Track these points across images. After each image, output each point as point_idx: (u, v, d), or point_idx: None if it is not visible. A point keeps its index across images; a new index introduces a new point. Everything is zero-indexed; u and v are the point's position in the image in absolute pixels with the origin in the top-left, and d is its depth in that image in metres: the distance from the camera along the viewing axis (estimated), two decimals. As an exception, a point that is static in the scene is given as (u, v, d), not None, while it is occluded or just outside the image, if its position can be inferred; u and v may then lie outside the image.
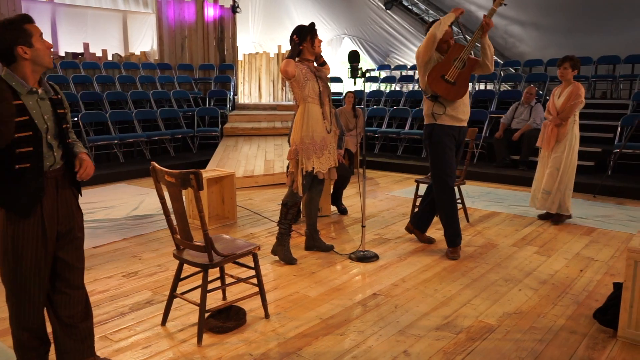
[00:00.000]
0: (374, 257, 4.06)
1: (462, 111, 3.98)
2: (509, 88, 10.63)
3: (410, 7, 12.52)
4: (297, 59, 3.88)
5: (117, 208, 5.78)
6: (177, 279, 2.93)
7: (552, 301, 3.26)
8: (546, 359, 2.57)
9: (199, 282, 2.86)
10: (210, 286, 2.97)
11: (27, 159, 2.09)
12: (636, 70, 9.18)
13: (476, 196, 6.24)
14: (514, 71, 10.84)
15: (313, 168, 3.88)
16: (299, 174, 3.93)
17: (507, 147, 7.70)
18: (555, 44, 10.85)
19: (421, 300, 3.28)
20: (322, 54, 4.00)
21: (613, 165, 6.88)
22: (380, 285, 3.53)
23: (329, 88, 3.98)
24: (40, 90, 2.16)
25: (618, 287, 2.87)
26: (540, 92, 8.98)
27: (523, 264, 3.94)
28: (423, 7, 12.32)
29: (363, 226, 4.16)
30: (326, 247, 4.26)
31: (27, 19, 2.10)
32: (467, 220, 5.14)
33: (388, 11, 12.52)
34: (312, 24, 3.87)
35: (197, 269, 2.96)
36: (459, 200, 5.05)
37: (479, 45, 4.04)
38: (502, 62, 11.18)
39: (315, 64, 3.99)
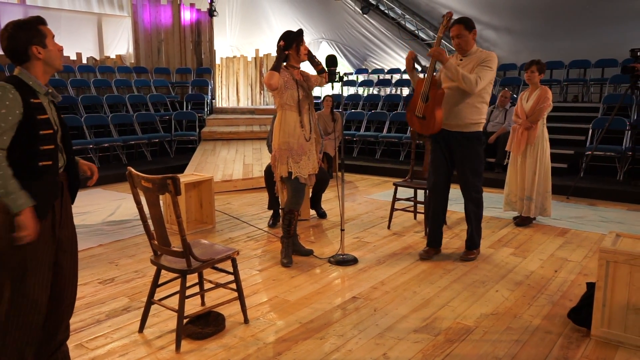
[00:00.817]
0: (353, 261, 4.08)
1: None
2: (485, 92, 10.77)
3: (386, 11, 12.63)
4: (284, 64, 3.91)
5: (93, 214, 5.68)
6: (155, 285, 2.90)
7: (527, 302, 3.32)
8: (523, 359, 2.62)
9: (177, 288, 2.83)
10: (188, 292, 2.95)
11: (49, 157, 2.11)
12: (606, 74, 9.42)
13: (453, 199, 6.28)
14: (489, 75, 10.99)
15: (290, 173, 3.88)
16: (277, 180, 3.96)
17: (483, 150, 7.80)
18: (528, 48, 11.07)
19: (400, 302, 3.31)
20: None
21: (585, 167, 7.04)
22: (360, 289, 3.55)
23: (310, 96, 3.99)
24: (51, 91, 2.18)
25: (591, 287, 2.94)
26: (515, 96, 9.14)
27: (499, 265, 4.00)
28: (399, 11, 12.44)
29: (342, 230, 4.17)
30: (305, 251, 4.26)
31: (41, 21, 2.14)
32: (445, 223, 5.19)
33: (365, 15, 12.62)
34: (300, 31, 3.88)
35: (175, 275, 2.93)
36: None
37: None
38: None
39: (312, 72, 4.02)
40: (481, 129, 3.96)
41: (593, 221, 5.32)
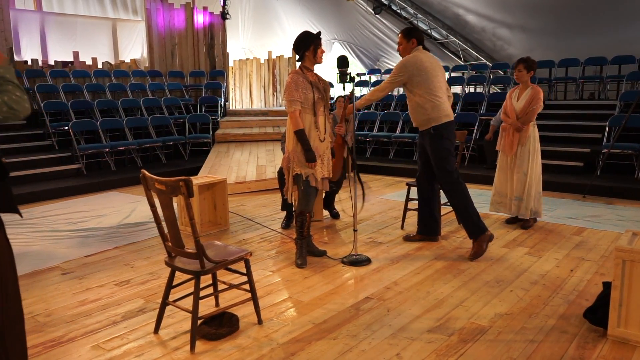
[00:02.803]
0: (366, 261, 4.08)
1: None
2: (498, 90, 10.70)
3: (399, 11, 12.60)
4: (298, 64, 3.97)
5: (109, 216, 5.75)
6: (169, 286, 2.93)
7: (543, 301, 3.29)
8: (538, 359, 2.59)
9: (191, 289, 2.86)
10: (202, 293, 2.97)
11: None
12: (623, 71, 9.28)
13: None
14: (502, 73, 10.92)
15: (302, 174, 3.89)
16: (289, 179, 3.97)
17: (495, 148, 7.73)
18: (542, 46, 10.96)
19: (413, 303, 3.30)
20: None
21: (602, 166, 6.95)
22: (373, 289, 3.54)
23: (325, 98, 3.99)
24: None
25: (607, 286, 2.90)
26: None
27: (514, 265, 3.97)
28: (412, 11, 12.40)
29: (355, 230, 4.17)
30: (319, 252, 4.27)
31: None
32: (459, 222, 5.17)
33: (377, 16, 12.61)
34: (319, 33, 3.91)
35: (189, 276, 2.96)
36: (449, 203, 5.08)
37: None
38: (491, 65, 11.27)
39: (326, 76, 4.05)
40: (438, 123, 4.12)
41: (610, 220, 5.25)
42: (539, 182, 4.98)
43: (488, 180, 7.22)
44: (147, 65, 11.28)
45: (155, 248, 4.60)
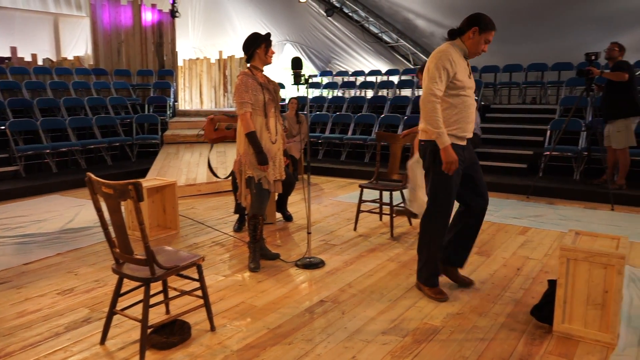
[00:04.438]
0: (320, 264, 4.06)
1: None
2: (447, 94, 10.97)
3: (350, 14, 12.71)
4: (247, 65, 3.90)
5: (51, 221, 5.48)
6: (117, 294, 2.81)
7: (492, 300, 3.38)
8: (489, 357, 2.66)
9: (140, 297, 2.75)
10: (152, 300, 2.86)
11: None
12: (562, 77, 9.73)
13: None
14: (450, 77, 11.19)
15: (254, 176, 3.83)
16: (242, 184, 3.90)
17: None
18: (489, 52, 11.25)
19: (368, 305, 3.31)
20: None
21: (544, 167, 7.24)
22: (327, 292, 3.53)
23: (276, 100, 3.95)
24: None
25: (552, 284, 3.01)
26: (476, 99, 9.33)
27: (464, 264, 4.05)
28: (363, 14, 12.54)
29: (309, 233, 4.15)
30: (272, 255, 4.22)
31: None
32: (410, 224, 5.25)
33: (329, 18, 12.67)
34: (269, 34, 3.86)
35: (138, 284, 2.85)
36: (402, 205, 5.16)
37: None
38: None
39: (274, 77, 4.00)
40: (432, 138, 3.17)
41: (552, 219, 5.47)
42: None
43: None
44: (91, 63, 10.86)
45: (100, 254, 4.41)
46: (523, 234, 4.92)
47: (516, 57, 10.44)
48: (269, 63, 3.93)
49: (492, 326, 3.00)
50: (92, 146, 8.57)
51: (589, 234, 3.10)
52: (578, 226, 5.12)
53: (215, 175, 5.24)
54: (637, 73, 7.03)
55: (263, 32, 3.90)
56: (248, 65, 3.91)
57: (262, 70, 3.94)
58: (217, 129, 5.03)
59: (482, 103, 9.65)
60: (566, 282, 2.82)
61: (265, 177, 3.86)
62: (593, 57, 6.30)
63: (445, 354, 2.68)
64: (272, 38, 3.88)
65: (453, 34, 3.32)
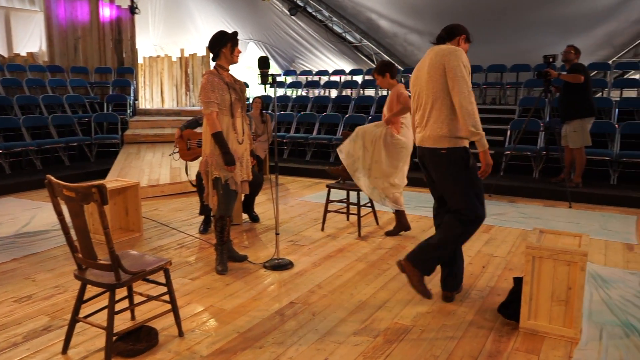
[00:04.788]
0: (289, 265, 4.03)
1: None
2: (410, 94, 11.11)
3: (314, 13, 12.70)
4: (213, 64, 3.84)
5: (4, 225, 5.24)
6: (80, 301, 2.70)
7: (459, 298, 3.43)
8: (459, 355, 2.69)
9: (104, 303, 2.66)
10: (117, 307, 2.77)
11: None
12: (520, 78, 10.00)
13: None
14: (413, 78, 11.34)
15: (221, 177, 3.78)
16: (209, 185, 3.83)
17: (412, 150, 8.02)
18: (450, 52, 11.52)
19: (338, 305, 3.30)
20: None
21: (505, 167, 7.42)
22: (297, 293, 3.51)
23: (243, 100, 3.90)
24: None
25: (518, 281, 3.07)
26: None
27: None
28: (327, 14, 12.55)
29: (277, 234, 4.11)
30: (240, 257, 4.17)
31: None
32: (377, 223, 5.28)
33: (293, 17, 12.62)
34: (235, 33, 3.79)
35: (101, 289, 2.75)
36: (369, 205, 5.18)
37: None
38: (402, 69, 11.68)
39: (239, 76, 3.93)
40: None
41: (514, 217, 5.61)
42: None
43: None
44: (46, 59, 10.47)
45: (59, 258, 4.25)
46: (487, 232, 5.02)
47: (476, 58, 10.65)
48: (235, 62, 3.86)
49: (460, 324, 3.04)
50: (48, 146, 8.25)
51: (552, 232, 3.18)
52: (539, 223, 5.27)
53: (193, 185, 5.17)
54: (592, 74, 7.30)
55: (226, 30, 3.83)
56: (214, 64, 3.84)
57: (228, 70, 3.87)
58: (190, 148, 5.02)
59: (445, 103, 9.80)
60: (532, 279, 2.88)
61: (232, 177, 3.80)
62: (551, 60, 6.49)
63: (417, 354, 2.70)
64: (237, 37, 3.82)
65: (442, 39, 3.33)
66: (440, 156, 3.15)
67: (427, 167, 3.33)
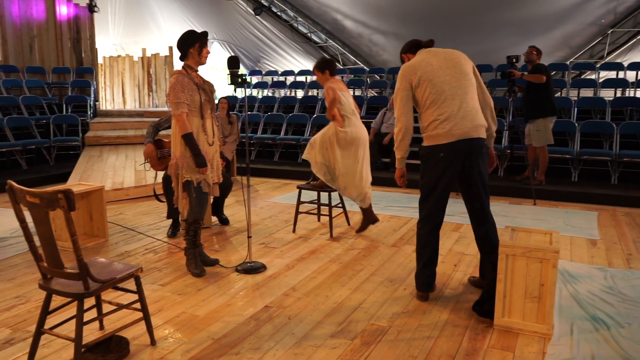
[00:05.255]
0: (261, 268, 3.97)
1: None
2: (376, 94, 11.19)
3: (279, 13, 12.63)
4: (181, 64, 3.75)
5: (-41, 233, 4.98)
6: (45, 312, 2.57)
7: (434, 297, 3.45)
8: (437, 354, 2.70)
9: (71, 313, 2.54)
10: (85, 317, 2.65)
11: None
12: (483, 78, 10.16)
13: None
14: (379, 78, 11.43)
15: (193, 180, 3.70)
16: (179, 187, 3.73)
17: (378, 150, 8.07)
18: (414, 53, 11.65)
19: (314, 308, 3.27)
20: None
21: (471, 165, 7.53)
22: (271, 297, 3.45)
23: (212, 101, 3.83)
24: None
25: (491, 279, 3.11)
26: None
27: (405, 262, 4.12)
28: (292, 14, 12.50)
29: (249, 237, 4.05)
30: (211, 261, 4.08)
31: None
32: (348, 224, 5.27)
33: (257, 17, 12.51)
34: (205, 33, 3.71)
35: (67, 299, 2.63)
36: (340, 205, 5.17)
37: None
38: (368, 70, 11.74)
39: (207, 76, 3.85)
40: (425, 144, 3.24)
41: (482, 215, 5.69)
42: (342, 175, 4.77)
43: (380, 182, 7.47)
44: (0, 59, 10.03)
45: (20, 267, 4.06)
46: (457, 231, 5.08)
47: (441, 59, 10.80)
48: (203, 63, 3.78)
49: (436, 323, 3.05)
50: (3, 149, 7.91)
51: (523, 230, 3.24)
52: (505, 221, 5.36)
53: (160, 200, 5.06)
54: (552, 73, 7.49)
55: (195, 30, 3.75)
56: (182, 64, 3.75)
57: (197, 70, 3.79)
58: (161, 158, 4.91)
59: (410, 103, 9.89)
60: (505, 277, 2.92)
61: (205, 180, 3.72)
62: (514, 60, 6.64)
63: (395, 355, 2.69)
64: (207, 37, 3.74)
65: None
66: (485, 147, 3.23)
67: (468, 162, 3.13)
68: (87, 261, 2.74)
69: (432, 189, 3.25)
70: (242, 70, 13.40)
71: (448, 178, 3.18)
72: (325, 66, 4.74)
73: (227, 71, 3.79)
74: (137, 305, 2.78)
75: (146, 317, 2.77)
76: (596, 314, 3.16)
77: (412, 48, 3.41)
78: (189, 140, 3.62)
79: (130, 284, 2.84)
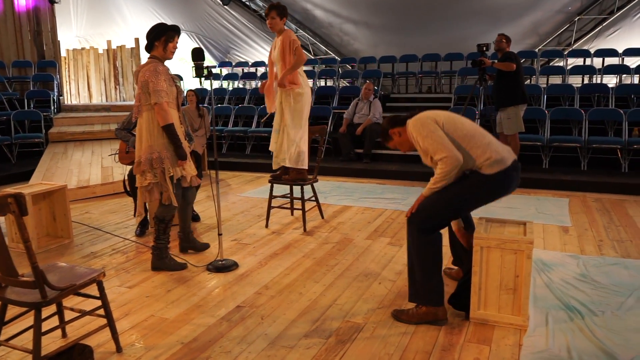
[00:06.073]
0: (233, 266, 3.87)
1: None
2: (347, 84, 11.10)
3: (248, 3, 12.40)
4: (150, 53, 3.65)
5: None
6: (0, 322, 2.43)
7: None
8: (413, 350, 2.65)
9: (30, 323, 2.40)
10: (45, 325, 2.52)
11: None
12: (454, 66, 10.21)
13: (327, 191, 6.36)
14: (350, 68, 11.34)
15: (174, 175, 3.63)
16: (168, 183, 3.60)
17: (351, 141, 8.01)
18: (385, 42, 11.61)
19: (287, 307, 3.18)
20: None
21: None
22: (244, 296, 3.35)
23: (182, 92, 3.75)
24: None
25: (466, 272, 3.07)
26: (376, 88, 9.52)
27: (379, 256, 4.07)
28: (261, 3, 12.28)
29: (220, 234, 3.93)
30: (202, 246, 4.17)
31: None
32: (322, 217, 5.19)
33: (226, 7, 12.25)
34: (173, 26, 3.60)
35: (26, 309, 2.48)
36: (313, 198, 5.08)
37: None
38: (339, 59, 11.64)
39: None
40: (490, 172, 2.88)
41: (455, 205, 5.68)
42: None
43: (344, 172, 7.42)
44: (-45, 53, 9.59)
45: (-22, 273, 3.86)
46: (430, 221, 5.05)
47: (411, 47, 10.79)
48: (169, 58, 3.68)
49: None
50: (-39, 148, 7.57)
51: (497, 221, 3.21)
52: (478, 209, 5.35)
53: (130, 195, 4.92)
54: (522, 61, 7.53)
55: (156, 21, 3.62)
56: (148, 56, 3.63)
57: (163, 64, 3.66)
58: (129, 152, 4.76)
59: (382, 92, 9.86)
60: (480, 269, 2.89)
61: (184, 175, 3.67)
62: (484, 48, 6.64)
63: (371, 353, 2.63)
64: (177, 30, 3.63)
65: None
66: None
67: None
68: (46, 266, 2.60)
69: (466, 210, 3.08)
70: (212, 61, 13.14)
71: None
72: (286, 12, 4.45)
73: (192, 64, 3.65)
74: (101, 312, 2.65)
75: (110, 324, 2.64)
76: (570, 302, 3.16)
77: (399, 121, 3.09)
78: (171, 131, 3.53)
79: (94, 289, 2.70)
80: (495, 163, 2.82)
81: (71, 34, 12.57)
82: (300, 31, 12.44)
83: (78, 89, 11.93)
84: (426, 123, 2.90)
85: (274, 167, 4.82)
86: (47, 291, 2.32)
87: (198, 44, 13.02)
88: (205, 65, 3.67)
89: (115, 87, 11.91)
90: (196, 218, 5.21)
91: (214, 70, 12.23)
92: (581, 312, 3.03)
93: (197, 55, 3.65)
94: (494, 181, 2.85)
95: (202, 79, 3.71)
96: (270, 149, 4.79)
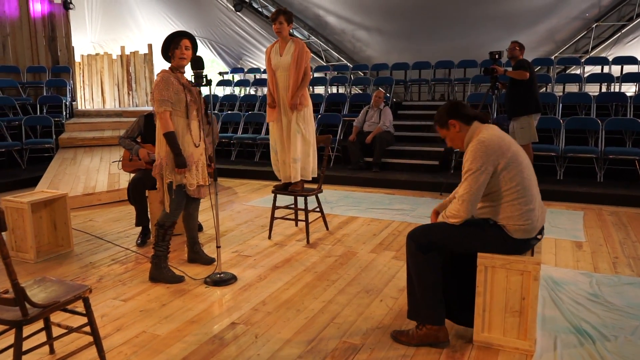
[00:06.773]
0: (231, 279, 3.77)
1: None
2: (359, 91, 10.99)
3: (260, 9, 12.37)
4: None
5: None
6: (-16, 339, 2.36)
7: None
8: (410, 376, 2.52)
9: (11, 341, 2.32)
10: (30, 342, 2.44)
11: None
12: (467, 74, 10.04)
13: (334, 201, 6.25)
14: (362, 74, 11.23)
15: (173, 181, 3.61)
16: (165, 189, 3.59)
17: (360, 149, 7.89)
18: (398, 49, 11.48)
19: (283, 325, 3.07)
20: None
21: (455, 164, 7.38)
22: (239, 312, 3.25)
23: (199, 102, 3.73)
24: None
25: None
26: (388, 95, 9.39)
27: (382, 271, 3.94)
28: (273, 9, 12.24)
29: (218, 247, 3.83)
30: (208, 259, 4.10)
31: None
32: (327, 229, 5.08)
33: (238, 13, 12.25)
34: (176, 33, 3.64)
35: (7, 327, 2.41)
36: (318, 209, 4.97)
37: None
38: (351, 66, 11.54)
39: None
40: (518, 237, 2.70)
41: (465, 217, 5.53)
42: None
43: (352, 181, 7.30)
44: (-30, 58, 9.70)
45: (-24, 282, 3.82)
46: (438, 234, 4.90)
47: (424, 54, 10.65)
48: (182, 65, 3.69)
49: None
50: (-28, 153, 7.62)
51: (503, 238, 3.05)
52: (489, 223, 5.20)
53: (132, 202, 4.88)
54: (536, 70, 7.36)
55: (169, 27, 3.60)
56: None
57: (183, 72, 3.72)
58: (132, 160, 4.74)
59: (394, 100, 9.73)
60: (484, 290, 2.75)
61: (183, 182, 3.62)
62: (497, 56, 6.48)
63: (366, 377, 2.50)
64: (180, 36, 3.61)
65: None
66: None
67: None
68: (34, 281, 2.54)
69: (471, 250, 2.79)
70: (224, 67, 13.13)
71: None
72: (292, 18, 4.40)
73: (192, 72, 3.59)
74: (88, 329, 2.57)
75: (97, 342, 2.56)
76: (581, 325, 2.99)
77: (465, 116, 2.80)
78: (170, 138, 3.55)
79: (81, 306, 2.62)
80: (524, 231, 2.65)
81: (86, 39, 12.67)
82: (313, 37, 12.38)
83: (92, 94, 12.00)
84: (484, 157, 2.58)
85: (284, 180, 4.76)
86: (29, 308, 2.24)
87: (211, 50, 13.04)
88: (205, 74, 3.60)
89: (129, 93, 11.95)
90: (199, 228, 5.13)
91: (227, 77, 12.23)
92: (592, 336, 2.86)
93: (197, 64, 3.59)
94: (513, 244, 2.68)
95: (201, 87, 3.66)
96: (275, 171, 4.72)
